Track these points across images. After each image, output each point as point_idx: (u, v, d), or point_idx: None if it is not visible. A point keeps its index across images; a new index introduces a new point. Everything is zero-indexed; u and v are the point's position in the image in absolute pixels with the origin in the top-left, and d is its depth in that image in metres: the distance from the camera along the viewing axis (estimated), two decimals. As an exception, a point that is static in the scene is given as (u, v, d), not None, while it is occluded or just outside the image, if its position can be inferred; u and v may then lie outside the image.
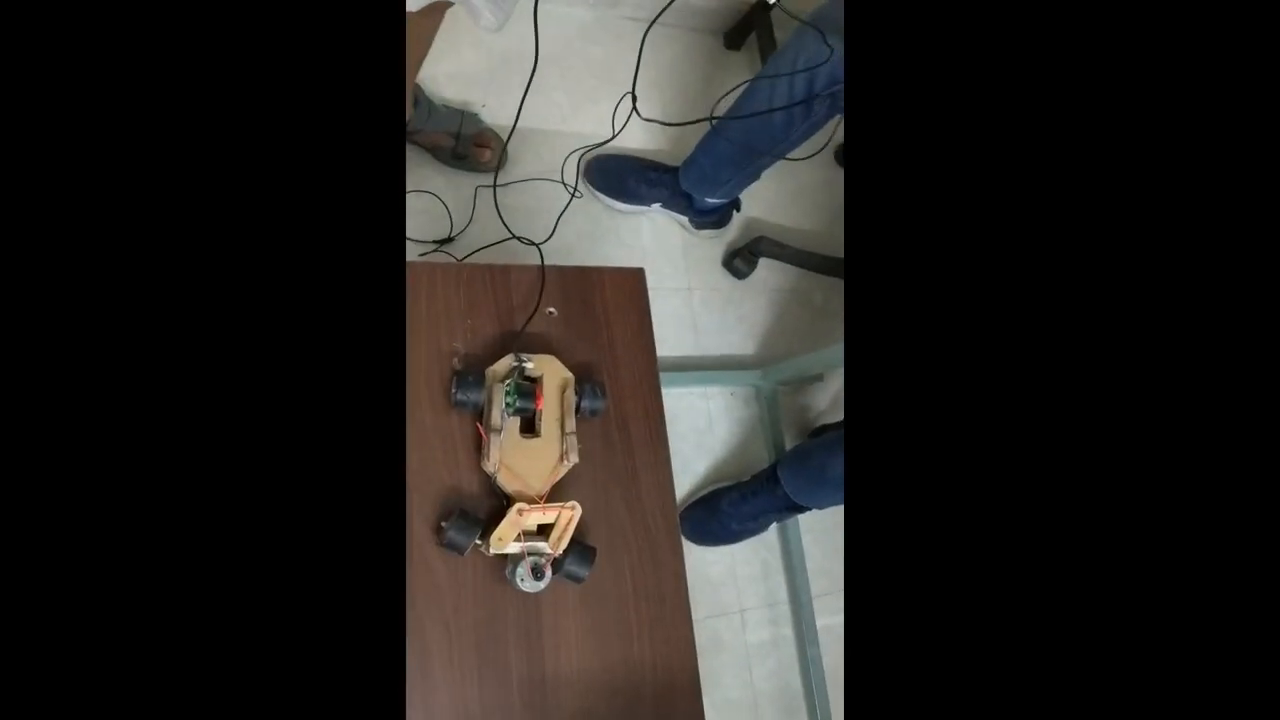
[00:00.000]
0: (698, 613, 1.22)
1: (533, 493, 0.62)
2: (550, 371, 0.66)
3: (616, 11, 1.33)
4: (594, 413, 0.67)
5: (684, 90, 1.35)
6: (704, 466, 1.19)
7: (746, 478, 1.14)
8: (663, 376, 1.21)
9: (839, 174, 1.42)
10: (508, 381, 0.64)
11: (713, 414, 1.22)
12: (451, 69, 1.20)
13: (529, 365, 0.65)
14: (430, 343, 0.66)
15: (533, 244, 0.73)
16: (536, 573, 0.60)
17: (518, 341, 0.68)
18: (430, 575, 0.60)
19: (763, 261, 1.29)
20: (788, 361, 1.17)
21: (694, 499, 1.15)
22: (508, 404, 0.63)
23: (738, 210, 1.26)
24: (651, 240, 1.26)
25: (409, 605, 0.59)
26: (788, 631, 1.18)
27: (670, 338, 1.23)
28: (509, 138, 0.85)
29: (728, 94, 0.97)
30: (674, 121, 1.26)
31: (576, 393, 0.66)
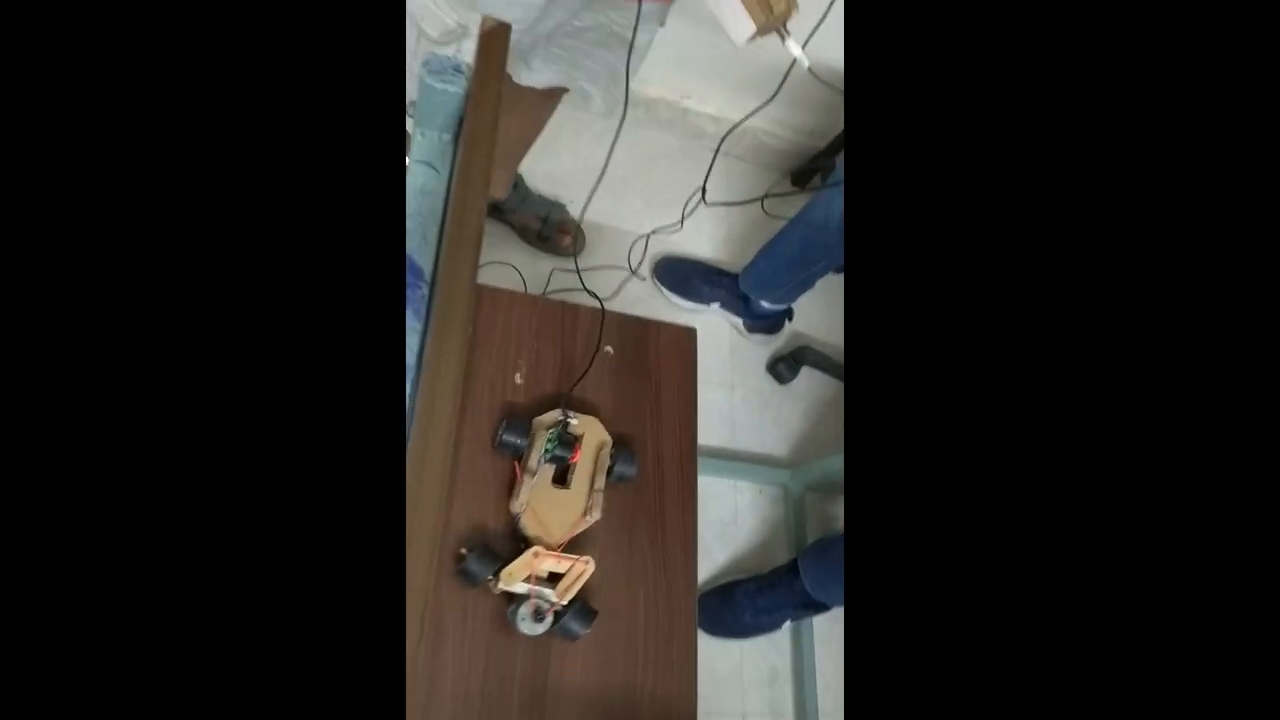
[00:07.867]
0: (698, 707, 1.19)
1: (552, 540, 0.66)
2: (592, 432, 0.71)
3: (699, 143, 1.52)
4: (624, 478, 0.71)
5: (751, 220, 1.49)
6: (724, 557, 1.20)
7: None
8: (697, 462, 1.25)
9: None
10: (551, 430, 0.69)
11: (740, 508, 1.25)
12: (550, 168, 1.37)
13: (574, 422, 0.70)
14: (500, 358, 0.74)
15: (596, 297, 0.82)
16: (538, 615, 0.62)
17: (566, 398, 0.73)
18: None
19: (804, 371, 1.36)
20: (818, 463, 1.21)
21: (710, 587, 1.15)
22: (547, 449, 0.68)
23: (789, 320, 1.36)
24: (703, 337, 1.34)
25: (436, 588, 0.63)
26: (789, 744, 1.13)
27: (707, 428, 1.28)
28: (581, 220, 0.97)
29: (775, 196, 1.08)
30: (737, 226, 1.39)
31: (611, 456, 0.71)
